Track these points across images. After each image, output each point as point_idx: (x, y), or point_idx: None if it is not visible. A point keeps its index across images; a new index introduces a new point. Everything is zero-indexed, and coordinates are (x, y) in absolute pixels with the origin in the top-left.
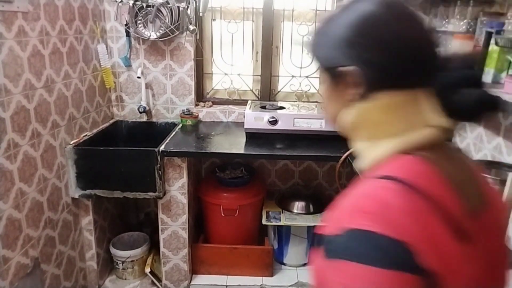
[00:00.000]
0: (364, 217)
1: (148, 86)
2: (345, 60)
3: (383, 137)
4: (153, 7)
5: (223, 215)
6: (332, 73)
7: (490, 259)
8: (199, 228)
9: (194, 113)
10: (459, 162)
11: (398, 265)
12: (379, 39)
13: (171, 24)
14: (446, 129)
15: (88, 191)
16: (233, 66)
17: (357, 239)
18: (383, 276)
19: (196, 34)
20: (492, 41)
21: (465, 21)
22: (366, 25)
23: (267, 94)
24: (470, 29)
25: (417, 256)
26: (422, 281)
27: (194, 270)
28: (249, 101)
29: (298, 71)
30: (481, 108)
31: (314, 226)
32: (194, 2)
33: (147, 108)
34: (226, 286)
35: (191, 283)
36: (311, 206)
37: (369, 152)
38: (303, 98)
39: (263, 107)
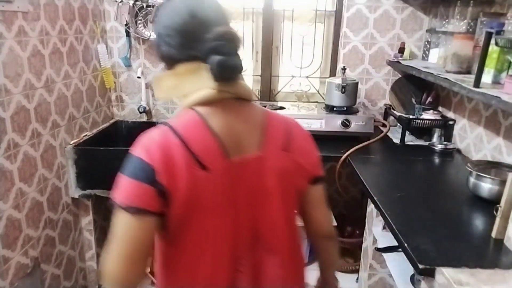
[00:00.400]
0: (138, 148)
1: (148, 86)
2: (159, 42)
3: (178, 97)
4: (153, 7)
5: None
6: (156, 51)
7: (239, 193)
8: None
9: None
10: (237, 116)
11: (144, 178)
12: (168, 28)
13: None
14: (219, 89)
15: (88, 191)
16: None
17: (129, 160)
18: (133, 184)
19: None
20: (492, 41)
21: (465, 21)
22: (162, 18)
23: (267, 94)
24: (470, 29)
25: (158, 175)
26: (157, 192)
27: None
28: None
29: (298, 71)
30: (222, 71)
31: None
32: None
33: (147, 108)
34: None
35: None
36: None
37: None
38: (303, 98)
39: (263, 107)
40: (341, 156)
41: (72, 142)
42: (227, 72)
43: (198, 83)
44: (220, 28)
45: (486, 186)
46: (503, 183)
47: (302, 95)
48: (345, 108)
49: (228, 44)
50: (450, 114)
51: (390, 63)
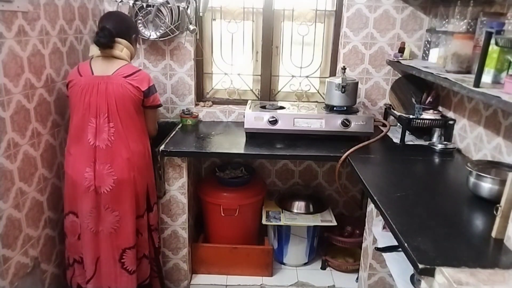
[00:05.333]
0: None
1: None
2: (133, 32)
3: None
4: (153, 6)
5: (223, 215)
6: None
7: (93, 89)
8: (199, 228)
9: (194, 113)
10: (105, 61)
11: None
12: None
13: (171, 24)
14: (100, 51)
15: None
16: (233, 66)
17: None
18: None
19: (196, 34)
20: (492, 41)
21: (465, 21)
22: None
23: (267, 94)
24: (470, 29)
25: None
26: None
27: (194, 269)
28: (249, 101)
29: (298, 71)
30: (97, 42)
31: (314, 226)
32: (194, 2)
33: None
34: (226, 285)
35: (191, 283)
36: (311, 206)
37: None
38: (303, 98)
39: (263, 107)
40: (341, 156)
41: None
42: (98, 44)
43: (94, 49)
44: (100, 25)
45: (486, 186)
46: (503, 182)
47: (302, 94)
48: (345, 108)
49: (100, 32)
50: (450, 114)
51: (390, 63)
